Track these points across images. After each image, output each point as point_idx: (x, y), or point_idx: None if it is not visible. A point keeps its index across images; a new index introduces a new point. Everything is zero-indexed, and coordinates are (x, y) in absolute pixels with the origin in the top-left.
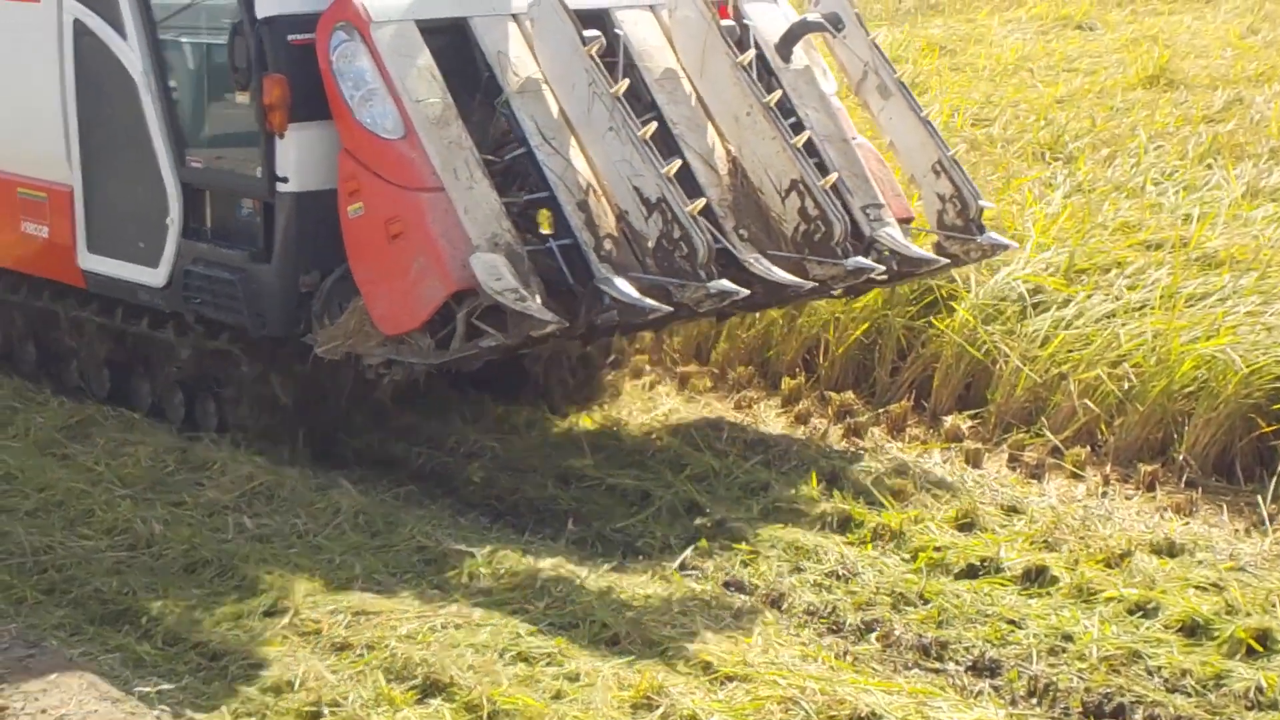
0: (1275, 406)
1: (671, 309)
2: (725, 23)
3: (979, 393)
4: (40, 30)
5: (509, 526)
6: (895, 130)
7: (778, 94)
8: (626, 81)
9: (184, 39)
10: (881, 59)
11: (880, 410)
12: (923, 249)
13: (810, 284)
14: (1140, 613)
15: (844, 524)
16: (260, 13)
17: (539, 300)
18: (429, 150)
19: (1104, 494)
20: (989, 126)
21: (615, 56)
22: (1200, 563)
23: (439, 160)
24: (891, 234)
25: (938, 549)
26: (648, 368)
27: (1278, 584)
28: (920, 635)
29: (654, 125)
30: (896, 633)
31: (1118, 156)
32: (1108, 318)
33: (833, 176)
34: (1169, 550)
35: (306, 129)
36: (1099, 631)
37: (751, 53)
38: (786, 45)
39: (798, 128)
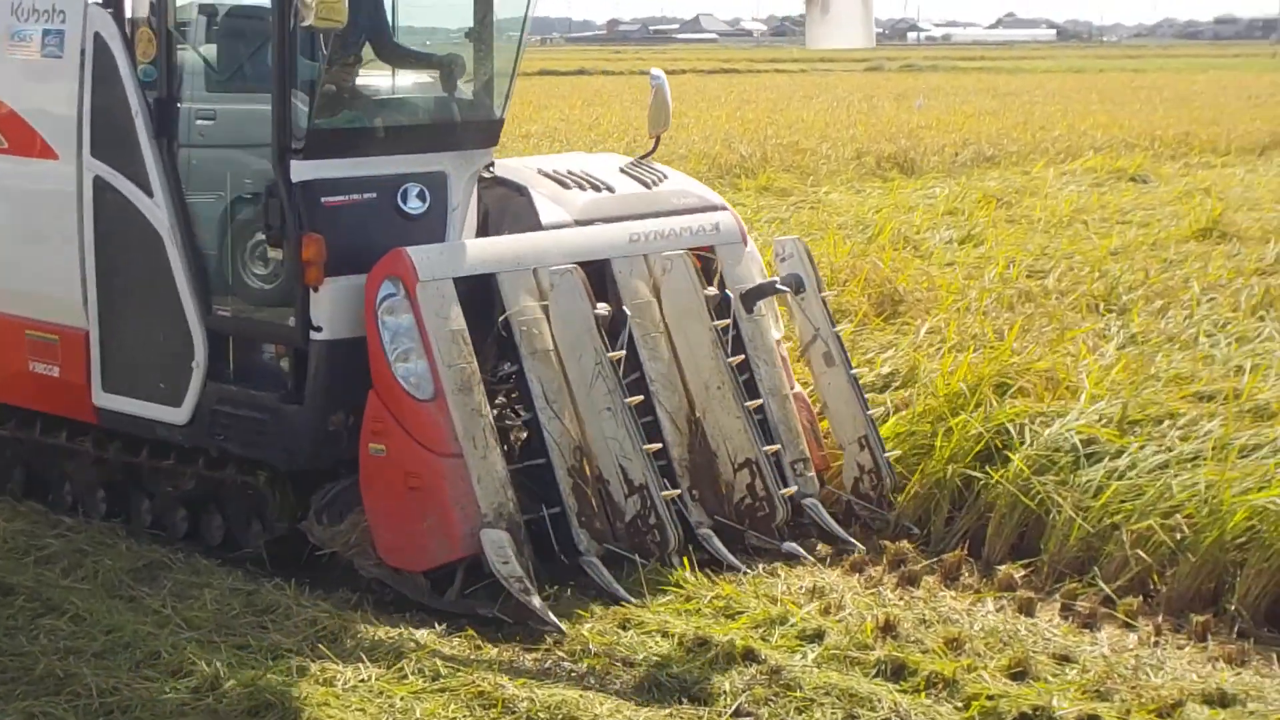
0: None
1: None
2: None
3: (1032, 542)
4: (58, 186)
5: (570, 668)
6: (832, 397)
7: (740, 357)
8: (622, 353)
9: (211, 198)
10: (831, 328)
11: (935, 559)
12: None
13: (751, 571)
14: None
15: (898, 672)
16: (296, 177)
17: (536, 592)
18: (454, 415)
19: (1156, 643)
20: (1044, 278)
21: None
22: (1252, 713)
23: (461, 427)
24: (817, 507)
25: (990, 698)
26: None
27: None
28: None
29: (639, 398)
30: None
31: (1171, 308)
32: (1160, 469)
33: (775, 446)
34: (1220, 700)
35: (338, 282)
36: None
37: (728, 322)
38: (751, 300)
39: (744, 368)
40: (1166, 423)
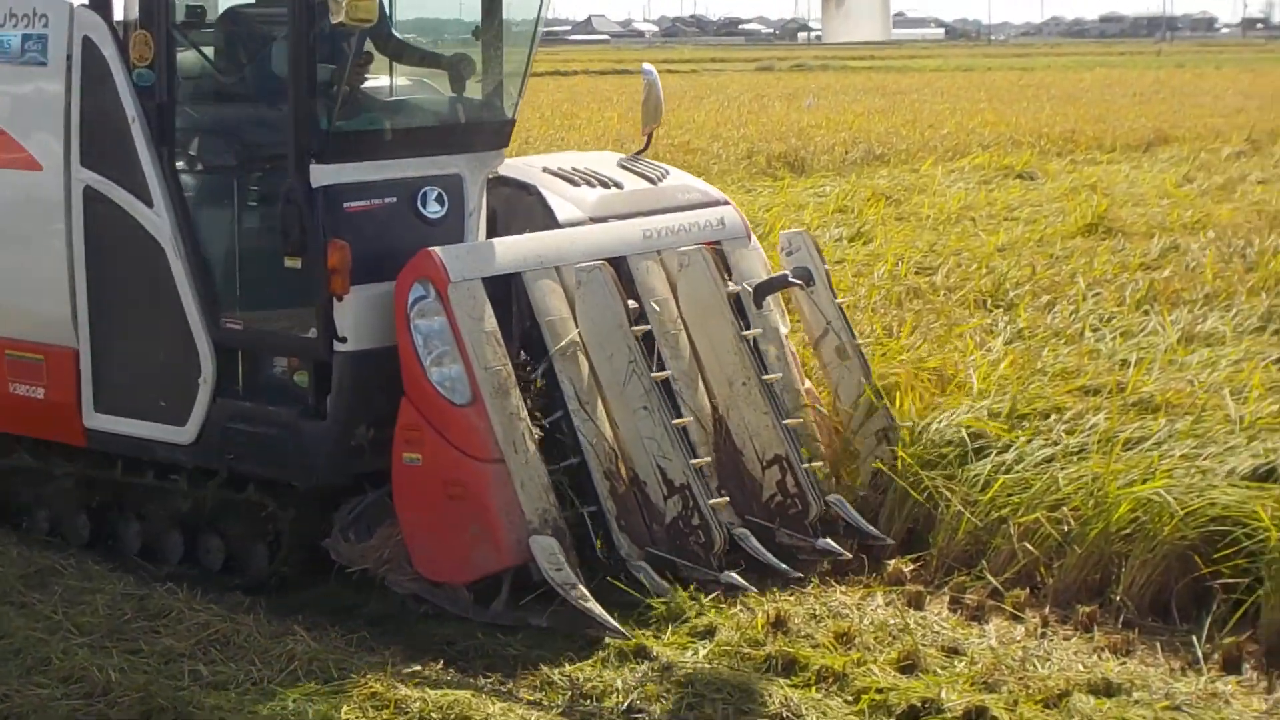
0: (1215, 551)
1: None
2: None
3: (921, 536)
4: (43, 198)
5: (460, 672)
6: (845, 392)
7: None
8: (668, 373)
9: (219, 205)
10: (843, 321)
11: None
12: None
13: (797, 575)
14: None
15: (788, 667)
16: (316, 182)
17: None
18: (493, 420)
19: (1043, 635)
20: (932, 275)
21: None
22: (1137, 702)
23: (501, 431)
24: (843, 504)
25: (880, 691)
26: None
27: None
28: None
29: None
30: None
31: (1057, 303)
32: (1047, 462)
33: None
34: (1106, 690)
35: (361, 291)
36: None
37: (755, 330)
38: (762, 295)
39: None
40: (1053, 417)
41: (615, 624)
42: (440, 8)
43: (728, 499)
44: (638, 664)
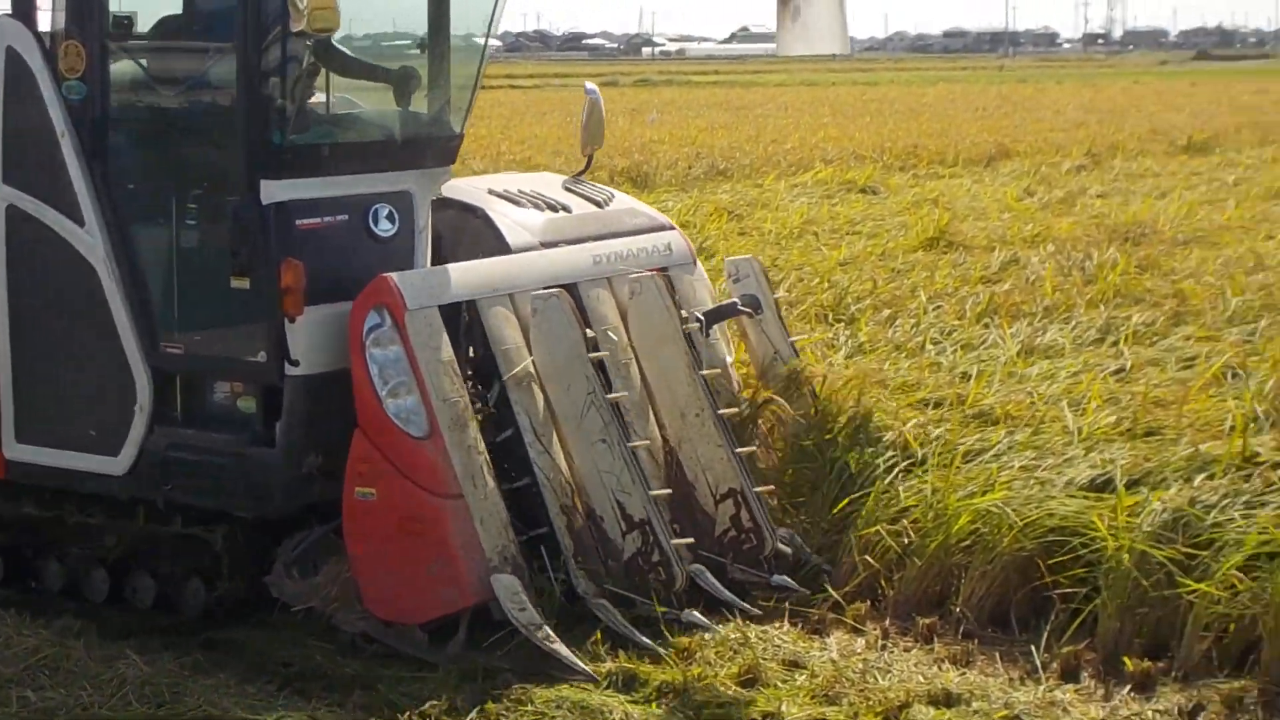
0: (1053, 561)
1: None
2: None
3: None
4: None
5: (296, 694)
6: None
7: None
8: (623, 394)
9: (155, 225)
10: (792, 350)
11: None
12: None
13: (756, 611)
14: None
15: (629, 683)
16: (268, 199)
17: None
18: (452, 453)
19: (884, 647)
20: (774, 290)
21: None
22: (976, 712)
23: (460, 466)
24: (794, 537)
25: (720, 705)
26: None
27: None
28: None
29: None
30: None
31: (898, 317)
32: (887, 474)
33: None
34: (946, 700)
35: (314, 312)
36: None
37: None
38: (710, 322)
39: None
40: (893, 430)
41: (584, 666)
42: (384, 20)
43: (691, 539)
44: (479, 683)
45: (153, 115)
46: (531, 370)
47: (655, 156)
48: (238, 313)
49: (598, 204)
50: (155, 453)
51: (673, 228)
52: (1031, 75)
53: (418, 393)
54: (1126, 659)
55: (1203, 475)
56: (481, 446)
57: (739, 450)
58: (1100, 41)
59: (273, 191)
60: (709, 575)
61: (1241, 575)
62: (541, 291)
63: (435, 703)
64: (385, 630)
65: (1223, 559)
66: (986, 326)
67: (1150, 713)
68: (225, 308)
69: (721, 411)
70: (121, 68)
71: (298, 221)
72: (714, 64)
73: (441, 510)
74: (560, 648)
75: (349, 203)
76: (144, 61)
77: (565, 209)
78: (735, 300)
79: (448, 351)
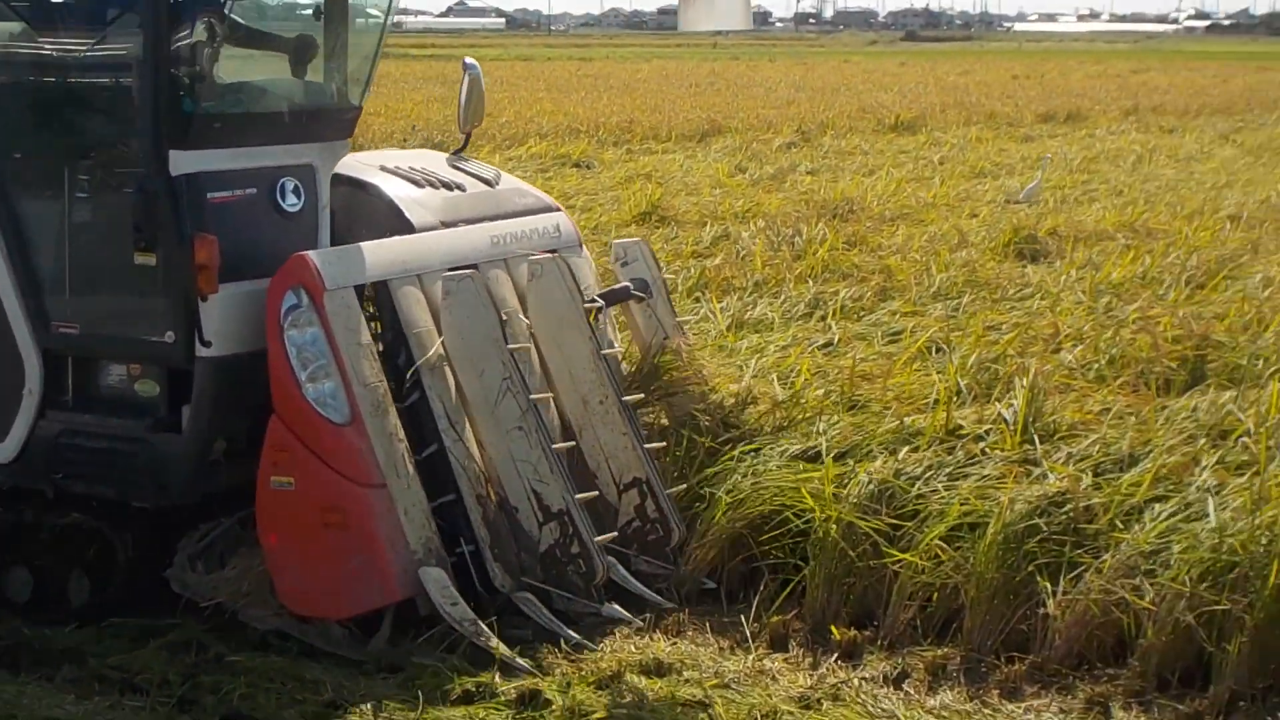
0: (765, 534)
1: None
2: None
3: None
4: None
5: (5, 668)
6: (679, 403)
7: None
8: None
9: (45, 198)
10: (681, 332)
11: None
12: None
13: (670, 605)
14: None
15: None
16: (176, 170)
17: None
18: (374, 441)
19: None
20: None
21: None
22: (687, 681)
23: (383, 454)
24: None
25: (435, 674)
26: None
27: (759, 699)
28: None
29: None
30: None
31: None
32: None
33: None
34: (657, 670)
35: (225, 290)
36: None
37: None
38: (606, 305)
39: None
40: None
41: (521, 661)
42: None
43: (615, 534)
44: (189, 655)
45: (43, 79)
46: (443, 354)
47: (370, 129)
48: (141, 291)
49: (488, 182)
50: (44, 440)
51: (559, 209)
52: (744, 53)
53: (338, 377)
54: (834, 628)
55: (908, 448)
56: (402, 434)
57: (646, 440)
58: (811, 21)
59: (181, 162)
60: (620, 568)
61: (944, 545)
62: (453, 273)
63: (147, 675)
64: (302, 626)
65: (926, 529)
66: (698, 300)
67: (856, 680)
68: (126, 286)
69: (626, 398)
70: (6, 27)
71: (209, 195)
72: (431, 37)
73: (365, 500)
74: (493, 642)
75: (257, 175)
76: (31, 19)
77: (460, 188)
78: (627, 284)
79: (366, 334)
